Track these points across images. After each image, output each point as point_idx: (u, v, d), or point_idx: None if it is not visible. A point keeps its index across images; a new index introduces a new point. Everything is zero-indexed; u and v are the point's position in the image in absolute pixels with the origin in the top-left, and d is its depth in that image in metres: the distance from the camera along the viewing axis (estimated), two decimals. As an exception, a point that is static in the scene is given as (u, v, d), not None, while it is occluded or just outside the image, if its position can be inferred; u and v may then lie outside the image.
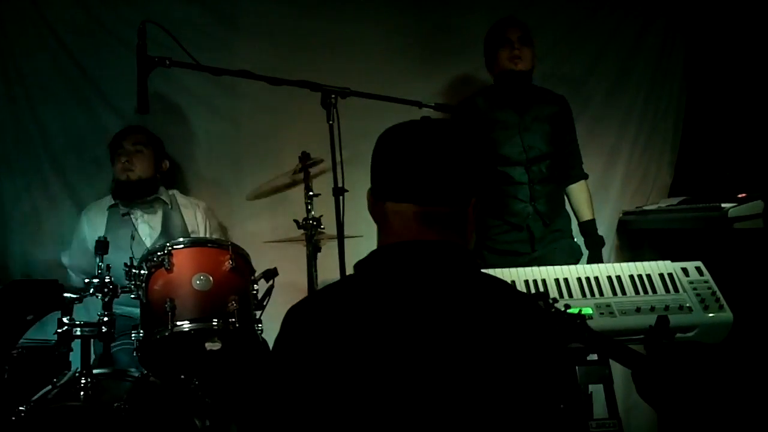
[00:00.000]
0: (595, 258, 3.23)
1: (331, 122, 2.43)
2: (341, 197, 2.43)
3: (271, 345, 1.57)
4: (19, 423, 2.24)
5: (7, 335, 2.38)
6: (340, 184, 2.44)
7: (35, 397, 2.40)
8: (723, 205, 3.07)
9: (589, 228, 3.30)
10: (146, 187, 3.34)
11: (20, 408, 2.26)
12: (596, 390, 2.93)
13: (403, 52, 3.80)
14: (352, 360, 1.22)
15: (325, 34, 3.72)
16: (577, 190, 3.34)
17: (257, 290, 2.72)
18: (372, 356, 1.22)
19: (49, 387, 2.48)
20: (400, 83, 3.46)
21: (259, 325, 2.64)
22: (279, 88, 2.50)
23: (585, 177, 3.35)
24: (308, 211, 2.85)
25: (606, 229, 3.81)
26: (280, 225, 3.33)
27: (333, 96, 2.45)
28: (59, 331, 2.45)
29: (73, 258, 3.38)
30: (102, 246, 2.58)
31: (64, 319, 2.45)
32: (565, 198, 3.36)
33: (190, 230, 3.36)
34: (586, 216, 3.31)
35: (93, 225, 3.31)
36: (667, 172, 4.03)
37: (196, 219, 3.43)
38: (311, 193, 2.82)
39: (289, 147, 3.03)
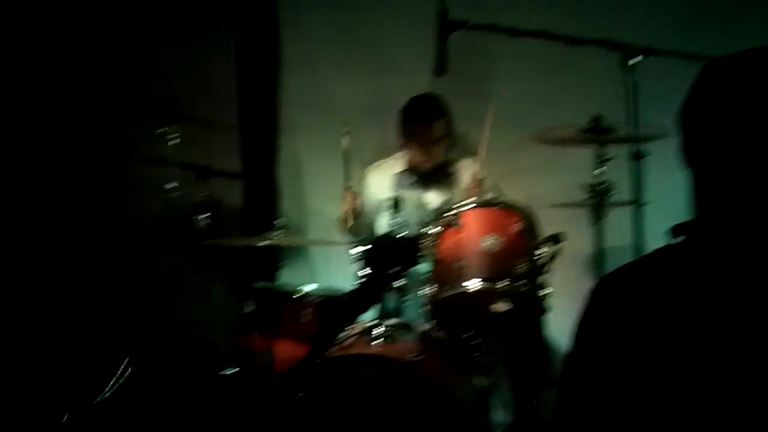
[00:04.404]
0: None
1: (631, 84, 2.29)
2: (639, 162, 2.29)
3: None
4: (325, 365, 2.48)
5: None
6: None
7: (334, 344, 2.59)
8: None
9: None
10: (441, 171, 3.35)
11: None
12: None
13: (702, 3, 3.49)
14: (684, 349, 0.99)
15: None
16: None
17: (542, 254, 2.69)
18: (706, 348, 0.98)
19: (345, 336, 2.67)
20: (698, 38, 3.16)
21: (546, 290, 2.61)
22: (567, 48, 2.40)
23: None
24: (597, 176, 2.74)
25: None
26: (561, 189, 3.25)
27: (634, 56, 2.31)
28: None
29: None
30: (396, 204, 2.71)
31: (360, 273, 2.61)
32: None
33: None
34: None
35: (380, 186, 3.39)
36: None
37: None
38: (603, 158, 2.70)
39: (579, 110, 2.90)
